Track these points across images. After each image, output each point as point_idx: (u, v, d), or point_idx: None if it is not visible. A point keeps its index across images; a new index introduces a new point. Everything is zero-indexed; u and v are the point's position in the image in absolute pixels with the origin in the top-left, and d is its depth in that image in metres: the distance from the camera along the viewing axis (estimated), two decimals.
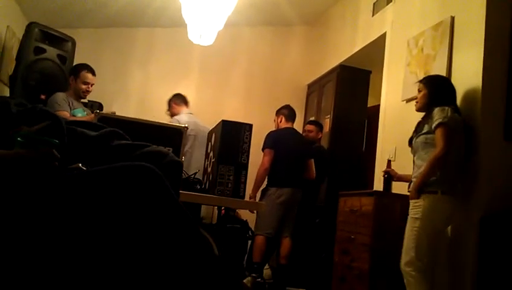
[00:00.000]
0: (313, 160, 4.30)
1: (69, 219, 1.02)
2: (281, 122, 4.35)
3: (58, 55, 3.91)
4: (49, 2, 4.56)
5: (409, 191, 2.74)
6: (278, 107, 4.49)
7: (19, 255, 0.97)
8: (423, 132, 2.70)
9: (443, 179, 2.58)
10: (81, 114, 3.45)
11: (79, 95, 3.55)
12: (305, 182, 4.24)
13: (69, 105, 3.41)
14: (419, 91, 2.84)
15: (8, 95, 3.89)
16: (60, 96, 3.44)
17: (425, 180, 2.57)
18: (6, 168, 1.04)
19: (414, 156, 2.80)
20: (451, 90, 2.78)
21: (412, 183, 2.72)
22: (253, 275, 3.86)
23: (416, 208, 2.58)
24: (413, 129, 2.84)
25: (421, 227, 2.54)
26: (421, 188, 2.58)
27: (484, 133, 2.74)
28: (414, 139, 2.79)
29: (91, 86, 3.56)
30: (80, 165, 1.20)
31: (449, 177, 2.60)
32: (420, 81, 2.89)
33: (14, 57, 3.95)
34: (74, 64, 4.08)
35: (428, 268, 2.53)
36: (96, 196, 1.05)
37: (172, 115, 4.35)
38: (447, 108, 2.63)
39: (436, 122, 2.59)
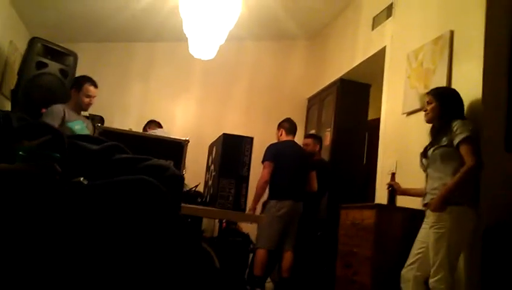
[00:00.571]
0: (314, 172, 4.30)
1: (70, 233, 1.02)
2: (281, 135, 4.37)
3: (60, 70, 3.95)
4: (51, 17, 4.61)
5: (424, 205, 2.70)
6: (279, 120, 4.51)
7: (20, 269, 0.97)
8: (442, 144, 2.65)
9: (466, 191, 2.55)
10: (80, 126, 3.42)
11: (80, 108, 3.52)
12: (306, 195, 4.24)
13: (63, 117, 3.34)
14: (428, 103, 2.82)
15: (9, 109, 3.91)
16: (55, 109, 3.38)
17: (453, 193, 2.52)
18: (7, 182, 1.04)
19: (427, 168, 2.75)
20: (461, 102, 2.77)
21: (427, 196, 2.68)
22: (258, 289, 3.84)
23: (441, 222, 2.51)
24: (430, 141, 2.79)
25: (451, 241, 2.48)
26: (448, 200, 2.52)
27: (485, 145, 2.74)
28: (430, 151, 2.73)
29: (93, 98, 3.54)
30: (81, 179, 1.20)
31: (471, 190, 2.57)
32: (428, 93, 2.87)
33: (16, 71, 3.99)
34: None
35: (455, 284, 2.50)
36: (97, 209, 1.05)
37: None
38: (467, 121, 2.63)
39: (462, 137, 2.55)
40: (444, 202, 2.52)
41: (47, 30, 4.68)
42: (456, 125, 2.60)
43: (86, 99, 3.49)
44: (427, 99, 2.85)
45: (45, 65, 3.86)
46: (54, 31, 4.79)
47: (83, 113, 3.65)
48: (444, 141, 2.65)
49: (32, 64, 3.78)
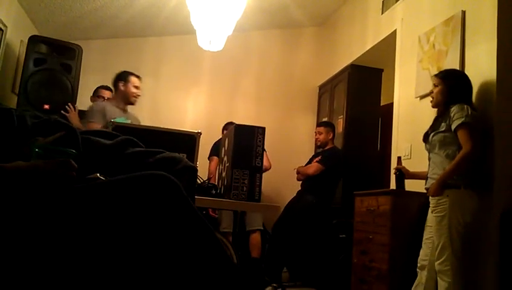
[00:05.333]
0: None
1: (86, 230, 1.03)
2: None
3: (62, 64, 3.91)
4: (61, 16, 4.62)
5: (426, 189, 2.71)
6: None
7: (37, 267, 0.98)
8: (440, 130, 2.65)
9: (464, 174, 2.55)
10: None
11: (128, 100, 3.54)
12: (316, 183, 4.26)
13: (104, 115, 3.32)
14: (435, 86, 2.77)
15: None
16: (95, 108, 3.41)
17: (450, 177, 2.54)
18: (24, 180, 1.05)
19: (429, 153, 2.77)
20: (469, 86, 2.72)
21: (428, 180, 2.69)
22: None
23: (440, 205, 2.54)
24: (430, 125, 2.79)
25: (451, 223, 2.49)
26: (445, 184, 2.54)
27: (500, 129, 2.69)
28: (430, 136, 2.74)
29: (140, 90, 3.59)
30: (98, 175, 1.20)
31: (469, 173, 2.56)
32: (436, 75, 2.82)
33: None
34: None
35: (463, 266, 2.48)
36: (113, 206, 1.05)
37: None
38: (465, 106, 2.58)
39: (458, 123, 2.54)
40: (441, 187, 2.54)
41: (57, 29, 4.71)
42: (454, 110, 2.58)
43: (135, 91, 3.52)
44: (434, 82, 2.79)
45: (43, 61, 3.83)
46: (64, 30, 4.82)
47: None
48: (443, 126, 2.64)
49: (30, 62, 3.78)
